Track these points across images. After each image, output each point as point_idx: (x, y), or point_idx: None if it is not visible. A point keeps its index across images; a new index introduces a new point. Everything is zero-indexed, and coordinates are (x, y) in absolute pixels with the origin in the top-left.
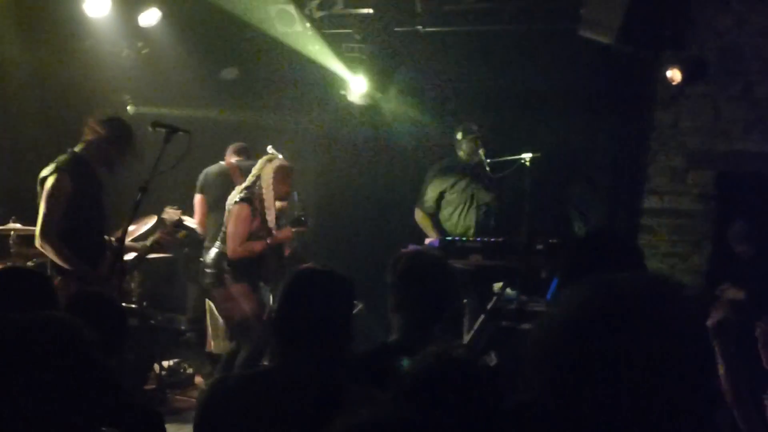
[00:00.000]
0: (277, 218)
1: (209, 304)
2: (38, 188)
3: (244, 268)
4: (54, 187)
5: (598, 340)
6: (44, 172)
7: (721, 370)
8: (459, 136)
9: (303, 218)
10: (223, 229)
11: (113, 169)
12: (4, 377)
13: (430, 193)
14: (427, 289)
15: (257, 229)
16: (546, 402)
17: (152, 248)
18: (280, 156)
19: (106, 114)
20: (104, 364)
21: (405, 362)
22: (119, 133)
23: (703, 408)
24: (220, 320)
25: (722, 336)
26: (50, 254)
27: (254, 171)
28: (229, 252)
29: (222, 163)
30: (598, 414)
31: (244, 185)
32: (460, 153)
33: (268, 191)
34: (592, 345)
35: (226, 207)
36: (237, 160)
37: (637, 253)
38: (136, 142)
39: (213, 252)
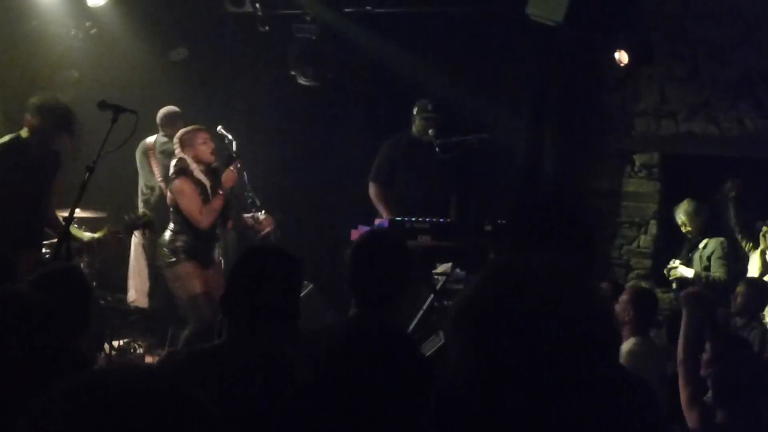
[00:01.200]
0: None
1: (134, 253)
2: None
3: (195, 246)
4: None
5: (491, 317)
6: None
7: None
8: (414, 111)
9: (233, 154)
10: (171, 210)
11: (46, 148)
12: None
13: (384, 164)
14: (378, 268)
15: (204, 191)
16: (457, 374)
17: (92, 245)
18: (229, 137)
19: (39, 100)
20: (64, 339)
21: None
22: (50, 117)
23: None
24: (144, 273)
25: (691, 306)
26: None
27: (174, 146)
28: (201, 225)
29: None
30: (498, 386)
31: (172, 162)
32: (413, 128)
33: (190, 160)
34: (486, 322)
35: (165, 190)
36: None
37: (585, 226)
38: (76, 120)
39: (167, 233)
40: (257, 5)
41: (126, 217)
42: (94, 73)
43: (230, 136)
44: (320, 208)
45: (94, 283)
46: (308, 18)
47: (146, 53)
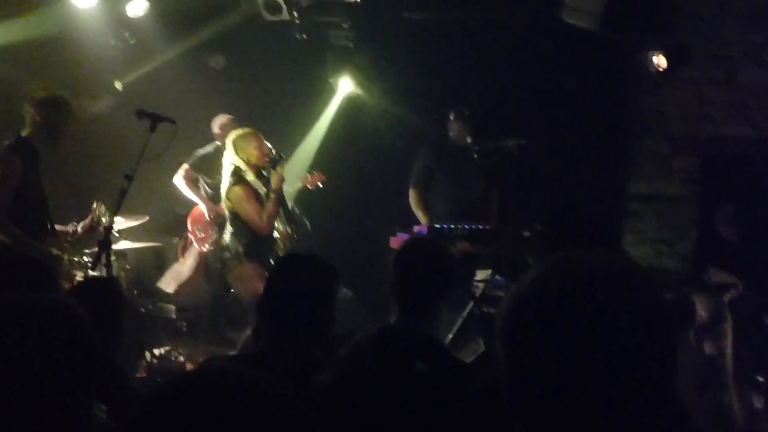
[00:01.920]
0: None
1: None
2: None
3: (256, 248)
4: (5, 169)
5: (549, 316)
6: None
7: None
8: (451, 117)
9: (278, 156)
10: (227, 216)
11: (57, 145)
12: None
13: (422, 171)
14: (421, 274)
15: (261, 196)
16: (506, 378)
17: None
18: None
19: (39, 88)
20: (98, 346)
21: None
22: (55, 105)
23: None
24: (185, 271)
25: (737, 312)
26: (3, 237)
27: (225, 155)
28: (263, 231)
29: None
30: (553, 389)
31: (227, 170)
32: (450, 133)
33: (242, 165)
34: (544, 321)
35: (222, 198)
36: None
37: (607, 233)
38: (72, 112)
39: (227, 237)
40: (294, 13)
41: None
42: (132, 82)
43: (269, 144)
44: (359, 215)
45: (135, 291)
46: (345, 25)
47: (184, 62)
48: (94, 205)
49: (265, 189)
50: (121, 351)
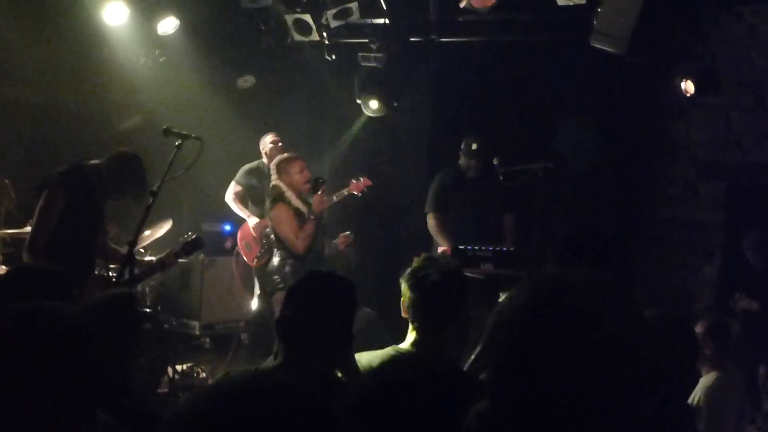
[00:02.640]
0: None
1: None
2: (37, 194)
3: (302, 271)
4: (48, 201)
5: (533, 331)
6: (43, 181)
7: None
8: (462, 146)
9: (319, 180)
10: (271, 237)
11: (110, 198)
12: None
13: (440, 195)
14: (437, 295)
15: (300, 217)
16: (495, 388)
17: (155, 268)
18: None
19: (126, 152)
20: (99, 356)
21: None
22: (119, 174)
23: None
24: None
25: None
26: None
27: (271, 178)
28: (297, 250)
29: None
30: (538, 403)
31: (269, 190)
32: (460, 162)
33: (284, 187)
34: (529, 335)
35: (267, 217)
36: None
37: (623, 255)
38: (136, 183)
39: (276, 259)
40: (324, 34)
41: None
42: (161, 99)
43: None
44: (384, 235)
45: (159, 307)
46: (374, 47)
47: (214, 81)
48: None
49: (306, 211)
50: (138, 366)
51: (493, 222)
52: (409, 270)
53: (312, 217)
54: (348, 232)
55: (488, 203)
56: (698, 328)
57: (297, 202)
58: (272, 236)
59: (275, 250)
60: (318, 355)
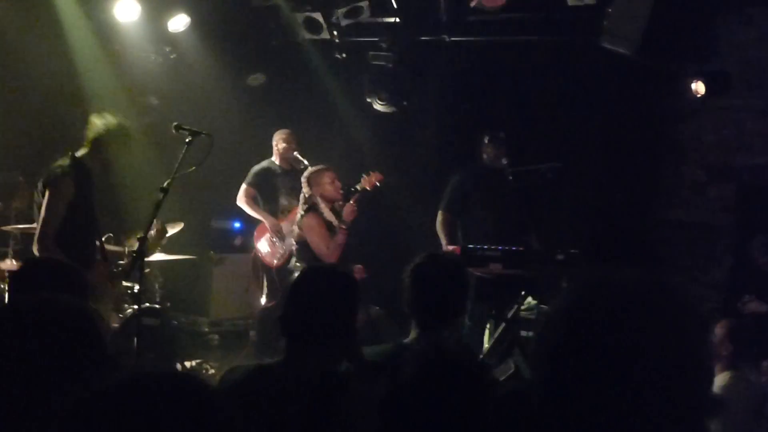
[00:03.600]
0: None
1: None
2: (40, 188)
3: None
4: (56, 194)
5: (587, 332)
6: (46, 177)
7: None
8: (485, 140)
9: (351, 189)
10: (296, 248)
11: (108, 167)
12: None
13: (455, 195)
14: (437, 290)
15: (331, 227)
16: (540, 391)
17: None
18: (305, 163)
19: (104, 114)
20: (106, 345)
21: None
22: (114, 134)
23: (693, 406)
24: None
25: None
26: None
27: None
28: (328, 260)
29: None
30: (587, 404)
31: (301, 200)
32: (484, 156)
33: (318, 198)
34: (582, 337)
35: (296, 227)
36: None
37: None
38: (130, 140)
39: (297, 263)
40: (334, 32)
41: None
42: (171, 97)
43: (306, 162)
44: (396, 234)
45: (168, 303)
46: (384, 45)
47: (224, 78)
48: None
49: (336, 222)
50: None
51: (516, 218)
52: (411, 265)
53: (343, 227)
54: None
55: (509, 202)
56: (718, 329)
57: (329, 214)
58: (293, 246)
59: (294, 260)
60: (321, 350)
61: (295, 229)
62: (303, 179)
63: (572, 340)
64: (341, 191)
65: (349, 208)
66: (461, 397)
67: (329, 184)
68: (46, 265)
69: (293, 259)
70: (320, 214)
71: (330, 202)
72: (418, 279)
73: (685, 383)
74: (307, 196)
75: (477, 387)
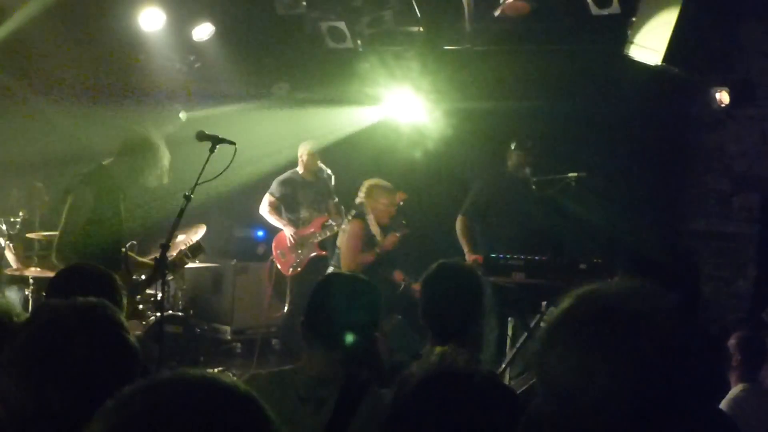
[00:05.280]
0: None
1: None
2: (62, 197)
3: None
4: (75, 202)
5: (577, 342)
6: (68, 185)
7: None
8: (512, 146)
9: (403, 223)
10: (336, 251)
11: (136, 183)
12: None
13: (478, 202)
14: (447, 301)
15: (368, 242)
16: (544, 405)
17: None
18: (329, 172)
19: (140, 129)
20: (138, 350)
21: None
22: (145, 151)
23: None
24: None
25: None
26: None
27: (358, 196)
28: (344, 267)
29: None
30: (589, 412)
31: (354, 206)
32: (509, 164)
33: (368, 208)
34: (572, 347)
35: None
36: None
37: (689, 271)
38: (159, 163)
39: (330, 268)
40: (358, 41)
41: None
42: (196, 105)
43: (329, 171)
44: (417, 244)
45: (191, 312)
46: (408, 54)
47: (248, 87)
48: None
49: (378, 239)
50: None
51: (536, 229)
52: (423, 277)
53: (377, 250)
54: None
55: (532, 210)
56: (731, 340)
57: (375, 228)
58: (312, 255)
59: (331, 263)
60: (342, 357)
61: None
62: (363, 186)
63: (560, 352)
64: (390, 218)
65: (391, 239)
66: (464, 416)
67: (385, 206)
68: (82, 271)
69: (331, 267)
70: (365, 225)
71: (377, 219)
72: (429, 289)
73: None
74: (357, 202)
75: (482, 405)
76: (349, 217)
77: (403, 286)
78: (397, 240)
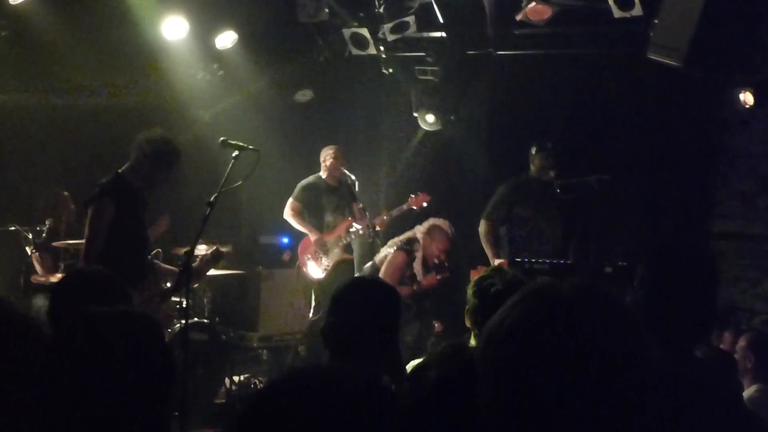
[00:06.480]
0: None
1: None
2: (84, 210)
3: None
4: (96, 213)
5: (524, 343)
6: (89, 196)
7: None
8: (533, 150)
9: (446, 264)
10: (370, 264)
11: (153, 187)
12: (80, 367)
13: (500, 206)
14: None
15: (407, 276)
16: (489, 403)
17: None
18: (352, 178)
19: (154, 132)
20: (172, 354)
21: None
22: (161, 153)
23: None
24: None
25: None
26: None
27: (418, 228)
28: None
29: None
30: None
31: (407, 235)
32: (532, 168)
33: (420, 245)
34: (520, 348)
35: (386, 252)
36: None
37: (708, 265)
38: (178, 162)
39: None
40: (381, 48)
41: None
42: (219, 113)
43: (353, 177)
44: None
45: (216, 319)
46: (431, 60)
47: (271, 94)
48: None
49: (418, 278)
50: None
51: (558, 233)
52: (476, 278)
53: (415, 288)
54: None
55: (554, 214)
56: (741, 342)
57: (419, 266)
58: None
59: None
60: (362, 362)
61: (382, 252)
62: (426, 224)
63: (516, 355)
64: (438, 258)
65: (431, 279)
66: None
67: (440, 248)
68: (88, 276)
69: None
70: (409, 260)
71: (426, 256)
72: (482, 291)
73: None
74: (413, 236)
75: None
76: (397, 246)
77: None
78: (436, 282)
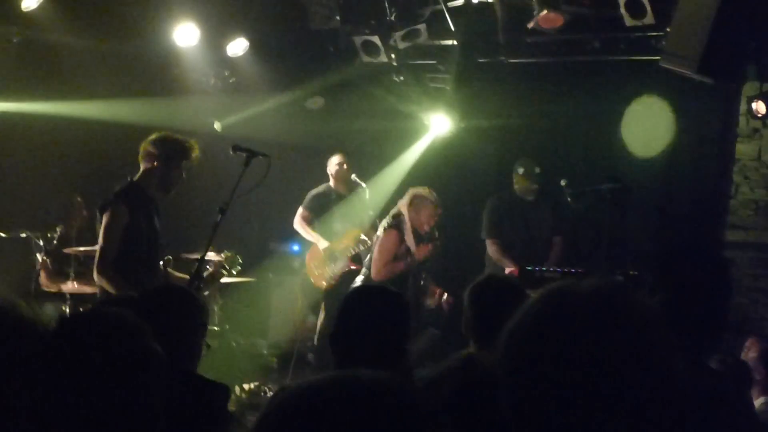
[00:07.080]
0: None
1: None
2: (98, 216)
3: None
4: (111, 220)
5: (543, 342)
6: (103, 201)
7: None
8: (520, 171)
9: (437, 235)
10: (369, 255)
11: (169, 190)
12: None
13: (495, 220)
14: (494, 312)
15: (402, 252)
16: (509, 402)
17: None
18: (363, 185)
19: (155, 134)
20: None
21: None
22: (171, 150)
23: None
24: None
25: None
26: (107, 286)
27: (400, 203)
28: (373, 274)
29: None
30: (553, 412)
31: (392, 212)
32: (516, 186)
33: (407, 217)
34: (539, 346)
35: (376, 234)
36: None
37: (721, 274)
38: (189, 157)
39: (359, 279)
40: (392, 55)
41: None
42: (230, 119)
43: (363, 184)
44: (449, 256)
45: (226, 326)
46: (441, 68)
47: (282, 102)
48: (222, 255)
49: (411, 248)
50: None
51: (543, 245)
52: (470, 286)
53: (409, 260)
54: (441, 290)
55: (540, 227)
56: (751, 353)
57: (410, 240)
58: (346, 268)
59: (363, 268)
60: (369, 368)
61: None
62: (408, 195)
63: (532, 355)
64: (430, 228)
65: (424, 249)
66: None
67: (427, 217)
68: (167, 292)
69: (359, 278)
70: (400, 236)
71: (415, 228)
72: (475, 299)
73: (650, 389)
74: (396, 212)
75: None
76: (385, 225)
77: (435, 297)
78: (428, 251)
